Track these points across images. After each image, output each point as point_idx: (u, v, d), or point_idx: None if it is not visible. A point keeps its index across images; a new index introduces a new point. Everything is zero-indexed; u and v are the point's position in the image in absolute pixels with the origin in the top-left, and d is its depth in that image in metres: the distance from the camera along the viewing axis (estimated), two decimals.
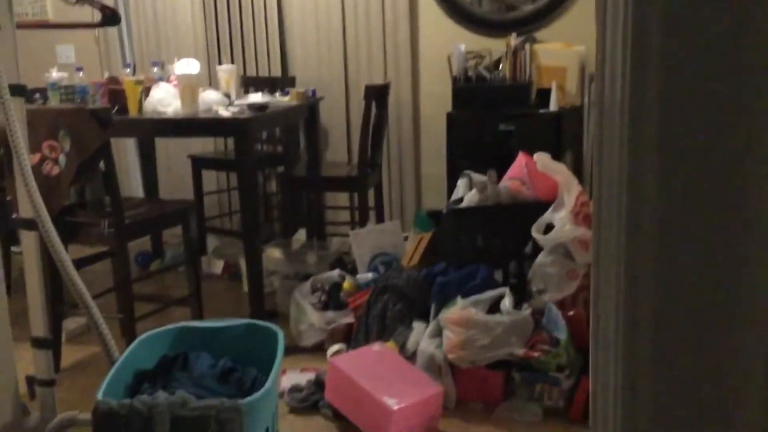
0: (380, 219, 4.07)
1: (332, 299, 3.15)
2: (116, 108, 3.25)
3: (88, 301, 1.92)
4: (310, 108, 4.03)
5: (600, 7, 0.84)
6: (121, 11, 4.68)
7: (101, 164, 2.87)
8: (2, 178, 2.85)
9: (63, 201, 2.79)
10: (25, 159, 1.98)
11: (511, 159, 3.21)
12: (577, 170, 3.77)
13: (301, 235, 4.28)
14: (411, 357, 2.66)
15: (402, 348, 2.71)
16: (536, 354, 2.49)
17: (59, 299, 2.98)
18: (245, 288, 3.63)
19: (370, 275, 3.23)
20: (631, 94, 0.76)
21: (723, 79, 0.74)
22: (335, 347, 2.93)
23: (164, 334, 1.91)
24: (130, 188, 4.84)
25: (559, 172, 2.85)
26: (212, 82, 4.44)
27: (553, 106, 3.83)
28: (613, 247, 0.82)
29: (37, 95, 3.38)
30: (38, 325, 2.16)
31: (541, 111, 3.87)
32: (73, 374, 2.96)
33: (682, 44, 0.74)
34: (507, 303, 2.62)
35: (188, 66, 3.42)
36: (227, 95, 3.64)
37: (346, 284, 3.17)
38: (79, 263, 2.76)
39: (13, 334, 2.06)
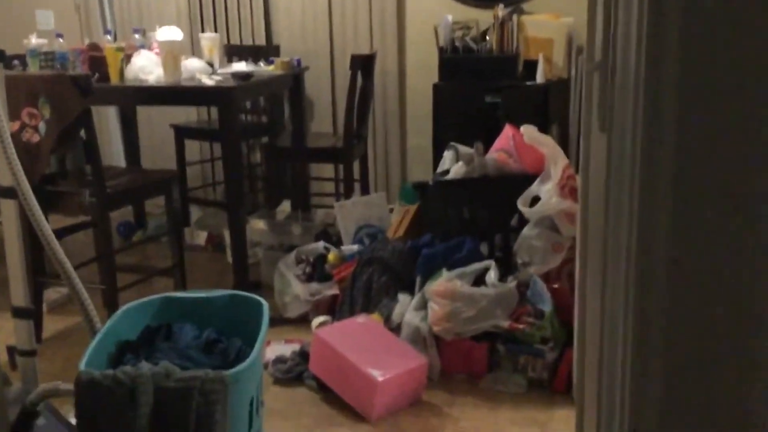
0: (365, 191, 4.04)
1: (317, 271, 3.13)
2: (97, 75, 3.19)
3: (69, 271, 1.89)
4: (294, 78, 3.98)
5: None
6: None
7: (82, 132, 2.82)
8: None
9: (43, 169, 2.75)
10: (4, 126, 1.94)
11: (497, 131, 3.19)
12: (563, 143, 3.76)
13: (285, 206, 4.25)
14: (396, 329, 2.65)
15: (387, 320, 2.70)
16: (521, 326, 2.50)
17: (40, 269, 2.94)
18: (229, 259, 3.61)
19: (355, 247, 3.22)
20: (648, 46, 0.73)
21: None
22: (320, 319, 2.92)
23: (147, 305, 1.88)
24: (111, 157, 4.77)
25: (546, 144, 2.83)
26: (195, 50, 4.36)
27: (539, 78, 3.81)
28: (623, 226, 0.79)
29: (16, 62, 3.30)
30: (19, 295, 2.13)
31: (528, 83, 3.84)
32: (55, 345, 2.93)
33: None
34: (492, 275, 2.61)
35: (170, 33, 3.36)
36: (210, 64, 3.58)
37: (331, 256, 3.15)
38: (60, 233, 2.72)
39: None
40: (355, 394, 2.39)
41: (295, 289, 3.07)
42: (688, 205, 0.75)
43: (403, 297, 2.76)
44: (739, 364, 0.78)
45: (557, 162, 2.74)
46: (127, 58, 3.30)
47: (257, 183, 4.77)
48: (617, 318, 0.83)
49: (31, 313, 2.19)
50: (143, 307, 1.87)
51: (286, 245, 3.57)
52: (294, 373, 2.62)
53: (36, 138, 2.70)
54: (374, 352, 2.45)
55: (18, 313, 2.14)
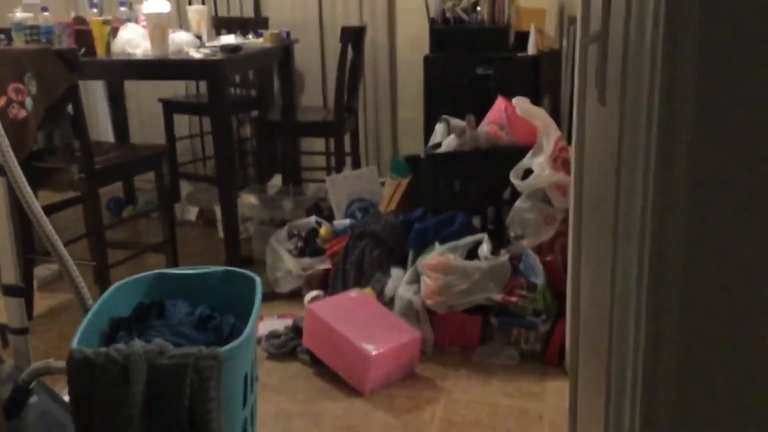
0: (356, 164, 4.03)
1: (309, 245, 3.13)
2: (83, 49, 3.14)
3: (59, 247, 1.88)
4: (284, 50, 3.93)
5: None
6: None
7: (69, 108, 2.78)
8: None
9: (30, 145, 2.72)
10: None
11: (488, 103, 3.17)
12: (555, 115, 3.74)
13: (276, 180, 4.23)
14: (389, 303, 2.66)
15: (380, 294, 2.70)
16: (513, 299, 2.50)
17: (30, 246, 2.92)
18: (220, 234, 3.60)
19: (347, 221, 3.21)
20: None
21: None
22: (312, 293, 2.92)
23: (139, 282, 1.87)
24: (99, 133, 4.73)
25: (539, 116, 2.82)
26: (182, 23, 4.31)
27: (531, 49, 3.78)
28: (637, 194, 0.77)
29: (1, 36, 3.25)
30: (9, 273, 2.11)
31: (520, 54, 3.82)
32: (46, 322, 2.92)
33: None
34: (485, 249, 2.61)
35: (157, 5, 3.30)
36: (198, 37, 3.54)
37: (323, 231, 3.14)
38: (49, 210, 2.69)
39: None
40: (349, 368, 2.40)
41: (287, 264, 3.06)
42: (706, 173, 0.73)
43: (395, 271, 2.76)
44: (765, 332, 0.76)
45: (549, 134, 2.73)
46: (114, 32, 3.25)
47: (247, 157, 4.74)
48: (629, 288, 0.81)
49: (22, 291, 2.18)
50: (135, 284, 1.86)
51: (277, 220, 3.56)
52: (287, 348, 2.62)
53: (23, 114, 2.67)
54: (367, 326, 2.45)
55: (8, 291, 2.13)
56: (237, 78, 4.50)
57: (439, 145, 3.04)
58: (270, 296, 2.96)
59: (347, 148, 3.94)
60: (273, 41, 3.74)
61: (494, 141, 2.92)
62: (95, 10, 3.80)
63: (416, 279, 2.65)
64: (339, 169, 3.74)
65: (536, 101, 3.37)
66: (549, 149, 2.70)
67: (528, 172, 2.73)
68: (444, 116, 3.18)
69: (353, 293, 2.68)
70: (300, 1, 4.35)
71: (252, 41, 3.72)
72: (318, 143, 4.46)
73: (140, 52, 3.19)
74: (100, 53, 3.20)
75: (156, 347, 1.47)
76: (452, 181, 2.96)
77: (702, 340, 0.77)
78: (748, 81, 0.70)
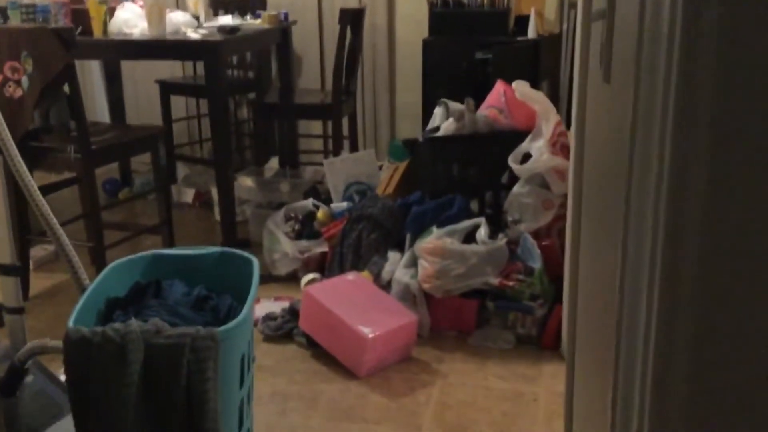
0: (354, 148, 4.01)
1: (306, 228, 3.12)
2: (80, 29, 3.11)
3: (55, 227, 1.87)
4: (282, 32, 3.91)
5: None
6: None
7: (66, 87, 2.76)
8: None
9: (26, 124, 2.70)
10: None
11: (487, 87, 3.16)
12: (553, 99, 3.73)
13: (273, 163, 4.22)
14: (386, 286, 2.65)
15: (377, 277, 2.70)
16: (511, 283, 2.50)
17: (26, 227, 2.91)
18: (217, 217, 3.59)
19: (344, 204, 3.20)
20: None
21: None
22: (309, 276, 2.92)
23: (136, 262, 1.86)
24: (95, 113, 4.70)
25: (538, 101, 2.81)
26: (180, 3, 4.27)
27: (531, 33, 3.76)
28: (652, 170, 0.75)
29: None
30: (5, 252, 2.10)
31: (519, 38, 3.80)
32: (42, 302, 2.92)
33: None
34: (482, 233, 2.61)
35: None
36: (196, 17, 3.51)
37: (320, 214, 3.14)
38: (45, 190, 2.67)
39: None
40: (345, 351, 2.40)
41: (284, 246, 3.06)
42: (726, 149, 0.71)
43: (392, 254, 2.75)
44: None
45: (549, 118, 2.72)
46: (111, 12, 3.22)
47: (244, 140, 4.73)
48: (641, 270, 0.79)
49: (18, 270, 2.17)
50: (132, 264, 1.85)
51: (274, 203, 3.55)
52: (284, 330, 2.62)
53: (19, 93, 2.65)
54: (364, 309, 2.45)
55: (4, 270, 2.12)
56: (234, 59, 4.47)
57: (437, 128, 3.03)
58: (267, 279, 2.95)
59: (345, 131, 3.92)
60: (271, 22, 3.72)
61: (493, 125, 2.91)
62: None
63: (413, 262, 2.64)
64: (336, 152, 3.73)
65: (535, 86, 3.34)
66: (548, 133, 2.69)
67: (527, 157, 2.73)
68: (443, 100, 3.17)
69: (350, 276, 2.67)
70: None
71: (250, 22, 3.69)
72: (315, 126, 4.44)
73: (137, 32, 3.17)
74: (97, 33, 3.18)
75: (153, 327, 1.47)
76: (450, 165, 2.95)
77: (719, 308, 0.76)
78: None
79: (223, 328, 1.50)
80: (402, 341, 2.45)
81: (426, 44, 3.91)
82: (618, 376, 0.88)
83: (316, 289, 2.56)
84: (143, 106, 4.63)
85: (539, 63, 3.73)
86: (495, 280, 2.51)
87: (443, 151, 2.96)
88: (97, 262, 2.81)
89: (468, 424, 2.12)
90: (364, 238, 2.83)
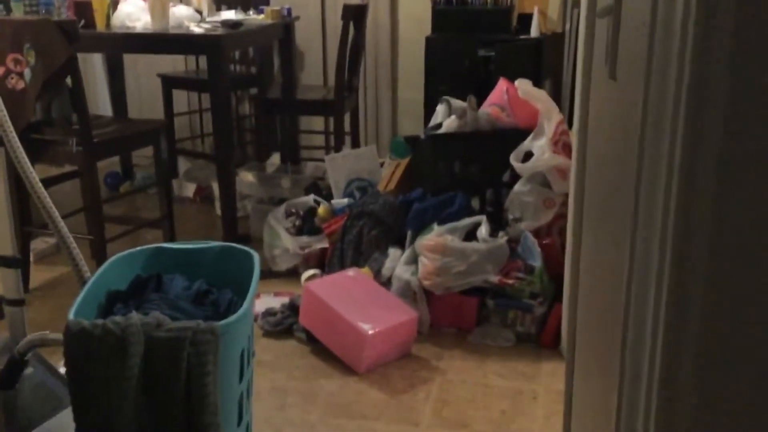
0: (356, 144, 4.01)
1: (307, 224, 3.12)
2: (82, 22, 3.11)
3: (56, 219, 1.87)
4: (285, 27, 3.90)
5: None
6: None
7: (68, 80, 2.76)
8: None
9: (28, 117, 2.70)
10: None
11: (489, 85, 3.16)
12: (556, 99, 3.73)
13: (275, 158, 4.21)
14: (386, 283, 2.66)
15: (377, 274, 2.70)
16: (511, 281, 2.50)
17: (27, 219, 2.91)
18: (218, 212, 3.59)
19: (345, 200, 3.20)
20: None
21: None
22: (309, 272, 2.92)
23: (137, 255, 1.86)
24: (97, 107, 4.69)
25: (540, 99, 2.80)
26: None
27: (534, 32, 3.76)
28: (662, 167, 0.74)
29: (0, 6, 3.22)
30: (6, 244, 2.11)
31: (522, 37, 3.79)
32: (43, 295, 2.92)
33: None
34: (483, 231, 2.61)
35: None
36: (199, 11, 3.51)
37: (321, 210, 3.14)
38: (46, 183, 2.67)
39: None
40: (345, 347, 2.40)
41: (285, 242, 3.06)
42: (738, 147, 0.70)
43: (393, 251, 2.75)
44: None
45: (551, 117, 2.72)
46: (114, 5, 3.22)
47: (246, 135, 4.72)
48: (650, 267, 0.79)
49: (19, 262, 2.17)
50: (133, 257, 1.84)
51: (275, 198, 3.55)
52: (283, 325, 2.62)
53: (21, 85, 2.65)
54: (364, 305, 2.45)
55: (5, 262, 2.12)
56: (237, 54, 4.47)
57: (439, 125, 3.03)
58: (267, 274, 2.96)
59: (347, 127, 3.92)
60: (274, 18, 3.71)
61: (495, 123, 2.91)
62: None
63: (414, 259, 2.64)
64: (338, 148, 3.73)
65: (537, 85, 3.35)
66: (550, 132, 2.69)
67: (528, 155, 2.73)
68: (445, 97, 3.17)
69: (350, 272, 2.67)
70: None
71: (253, 17, 3.69)
72: (317, 122, 4.44)
73: (140, 25, 3.17)
74: (100, 26, 3.18)
75: (153, 320, 1.47)
76: (452, 163, 2.95)
77: (729, 307, 0.75)
78: None
79: (223, 322, 1.50)
80: (402, 338, 2.45)
81: (429, 41, 3.91)
82: (624, 376, 0.87)
83: (316, 284, 2.56)
84: (145, 100, 4.62)
85: (542, 61, 3.73)
86: (495, 278, 2.51)
87: (445, 149, 2.96)
88: (98, 255, 2.81)
89: (467, 422, 2.12)
90: (365, 235, 2.83)
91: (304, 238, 3.06)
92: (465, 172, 2.93)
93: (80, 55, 2.82)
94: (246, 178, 3.69)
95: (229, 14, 3.59)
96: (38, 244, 3.24)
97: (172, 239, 3.14)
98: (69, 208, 3.06)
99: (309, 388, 2.30)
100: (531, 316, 2.52)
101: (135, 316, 1.48)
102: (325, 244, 3.00)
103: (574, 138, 2.22)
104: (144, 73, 4.61)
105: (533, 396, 2.25)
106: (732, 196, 0.72)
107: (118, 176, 4.27)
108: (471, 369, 2.40)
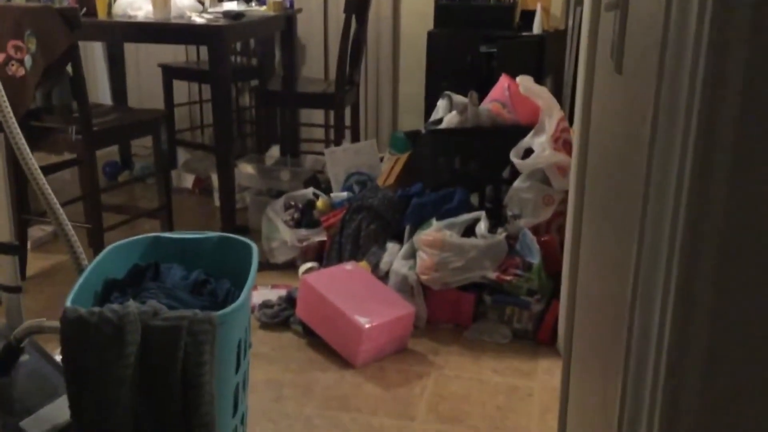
0: (356, 138, 4.00)
1: (305, 217, 3.11)
2: (84, 9, 3.10)
3: (55, 206, 1.86)
4: (287, 19, 3.89)
5: None
6: None
7: (69, 68, 2.75)
8: None
9: (28, 104, 2.69)
10: None
11: (490, 81, 3.15)
12: (557, 97, 3.73)
13: (274, 151, 4.21)
14: (384, 277, 2.65)
15: (375, 268, 2.70)
16: (508, 278, 2.50)
17: (25, 207, 2.90)
18: (216, 203, 3.59)
19: (344, 194, 3.19)
20: None
21: None
22: (307, 265, 2.92)
23: (135, 244, 1.86)
24: (97, 95, 4.69)
25: (542, 96, 2.80)
26: None
27: (536, 28, 3.75)
28: (674, 162, 0.73)
29: None
30: (3, 230, 2.10)
31: (524, 34, 3.79)
32: (40, 282, 2.91)
33: None
34: (482, 227, 2.61)
35: None
36: (201, 2, 3.50)
37: (320, 203, 3.13)
38: (45, 171, 2.67)
39: None
40: (342, 340, 2.40)
41: (283, 234, 3.05)
42: (752, 145, 0.69)
43: (391, 245, 2.75)
44: None
45: (552, 114, 2.71)
46: None
47: (246, 127, 4.71)
48: (658, 264, 0.78)
49: (17, 249, 2.17)
50: (131, 246, 1.84)
51: (274, 191, 3.55)
52: (280, 318, 2.62)
53: (21, 72, 2.64)
54: (361, 299, 2.45)
55: (3, 248, 2.11)
56: (238, 46, 4.46)
57: (440, 121, 3.02)
58: (264, 266, 2.94)
59: (347, 121, 3.91)
60: (276, 9, 3.70)
61: (496, 119, 2.90)
62: None
63: (412, 254, 2.64)
64: (338, 142, 3.72)
65: (539, 81, 3.34)
66: (551, 129, 2.68)
67: (528, 152, 2.72)
68: (447, 92, 3.16)
69: (348, 266, 2.67)
70: None
71: (255, 9, 3.68)
72: (317, 115, 4.43)
73: (142, 14, 3.16)
74: (101, 14, 3.17)
75: (150, 309, 1.46)
76: (452, 158, 2.94)
77: (739, 304, 0.74)
78: None
79: (220, 312, 1.50)
80: (398, 332, 2.45)
81: (431, 36, 3.90)
82: (627, 374, 0.87)
83: (314, 277, 2.56)
84: (145, 90, 4.61)
85: (544, 58, 3.72)
86: (493, 274, 2.51)
87: (445, 144, 2.96)
88: (95, 244, 2.81)
89: (462, 417, 2.12)
90: (364, 229, 2.83)
91: (303, 231, 3.05)
92: (465, 168, 2.92)
93: (81, 44, 2.81)
94: (245, 169, 3.68)
95: (231, 5, 3.58)
96: (35, 232, 3.24)
97: (170, 230, 3.14)
98: (67, 196, 3.05)
99: (305, 380, 2.30)
100: (528, 312, 2.52)
101: (132, 305, 1.47)
102: (324, 238, 2.99)
103: (575, 133, 2.22)
104: (144, 62, 4.59)
105: (529, 392, 2.25)
106: (745, 191, 0.71)
107: (116, 165, 4.27)
108: (467, 364, 2.40)
